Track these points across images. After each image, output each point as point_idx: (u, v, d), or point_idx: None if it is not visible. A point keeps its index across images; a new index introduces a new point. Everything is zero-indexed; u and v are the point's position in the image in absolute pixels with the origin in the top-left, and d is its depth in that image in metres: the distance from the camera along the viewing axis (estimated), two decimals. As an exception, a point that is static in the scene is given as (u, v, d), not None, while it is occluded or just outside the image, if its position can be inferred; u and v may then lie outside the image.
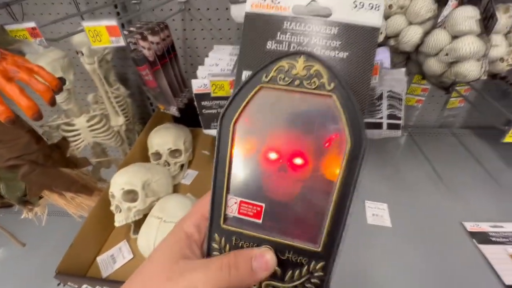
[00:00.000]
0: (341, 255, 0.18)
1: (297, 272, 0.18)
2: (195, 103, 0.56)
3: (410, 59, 0.56)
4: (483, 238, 0.56)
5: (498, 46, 0.43)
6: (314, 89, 0.18)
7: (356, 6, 0.19)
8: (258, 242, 0.19)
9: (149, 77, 0.53)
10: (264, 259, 0.18)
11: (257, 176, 0.19)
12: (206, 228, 0.20)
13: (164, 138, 0.68)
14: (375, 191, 0.67)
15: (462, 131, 0.86)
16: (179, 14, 0.72)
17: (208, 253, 0.20)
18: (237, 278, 0.17)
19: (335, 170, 0.18)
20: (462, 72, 0.43)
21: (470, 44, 0.40)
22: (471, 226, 0.59)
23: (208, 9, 0.71)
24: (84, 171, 0.65)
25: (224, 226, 0.19)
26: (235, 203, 0.19)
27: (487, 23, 0.40)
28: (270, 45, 0.20)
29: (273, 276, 0.19)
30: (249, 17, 0.20)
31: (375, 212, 0.63)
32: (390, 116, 0.47)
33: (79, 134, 0.67)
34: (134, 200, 0.56)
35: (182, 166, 0.73)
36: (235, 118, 0.19)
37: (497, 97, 0.74)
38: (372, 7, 0.18)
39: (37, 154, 0.51)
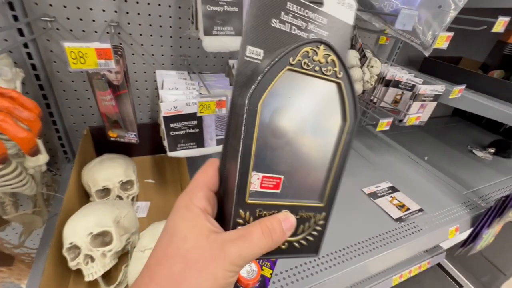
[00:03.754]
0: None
1: (306, 224, 0.22)
2: (163, 126, 0.56)
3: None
4: (374, 195, 0.86)
5: (366, 73, 0.72)
6: (329, 76, 0.21)
7: (339, 2, 0.22)
8: (278, 209, 0.21)
9: (111, 102, 0.49)
10: (290, 220, 0.20)
11: (277, 150, 0.21)
12: (214, 200, 0.21)
13: (112, 170, 0.60)
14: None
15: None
16: (106, 37, 0.67)
17: (233, 228, 0.20)
18: (276, 240, 0.19)
19: (339, 140, 0.22)
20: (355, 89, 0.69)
21: (356, 73, 0.66)
22: (366, 190, 0.88)
23: (141, 34, 0.70)
24: None
25: (249, 201, 0.20)
26: (258, 179, 0.21)
27: (361, 59, 0.67)
28: (275, 23, 0.20)
29: None
30: None
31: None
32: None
33: (-22, 186, 0.49)
34: (105, 243, 0.48)
35: (133, 198, 0.66)
36: (262, 98, 0.19)
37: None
38: (348, 6, 0.22)
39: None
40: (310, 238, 0.23)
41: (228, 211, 0.20)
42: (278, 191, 0.21)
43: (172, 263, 0.17)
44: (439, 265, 1.22)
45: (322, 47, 0.20)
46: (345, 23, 0.22)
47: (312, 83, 0.21)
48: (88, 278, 0.44)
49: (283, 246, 0.21)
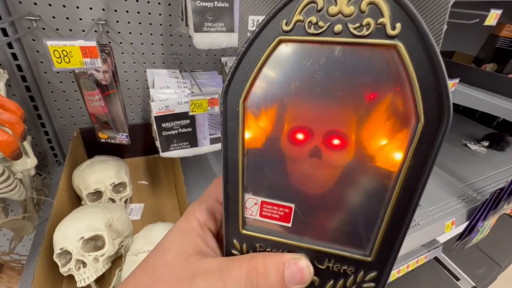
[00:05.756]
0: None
1: (340, 283, 0.15)
2: (154, 126, 0.55)
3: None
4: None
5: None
6: (366, 36, 0.11)
7: None
8: (289, 250, 0.15)
9: (100, 102, 0.47)
10: (298, 268, 0.14)
11: (282, 167, 0.14)
12: (222, 215, 0.16)
13: (104, 173, 0.59)
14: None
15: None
16: (94, 36, 0.65)
17: (226, 255, 0.16)
18: None
19: (395, 156, 0.12)
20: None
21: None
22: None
23: (130, 33, 0.69)
24: None
25: (244, 231, 0.16)
26: (255, 204, 0.15)
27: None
28: None
29: (312, 286, 0.15)
30: None
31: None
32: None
33: (-37, 192, 0.47)
34: (97, 248, 0.47)
35: (126, 201, 0.64)
36: (244, 93, 0.13)
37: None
38: None
39: None
40: None
41: (224, 236, 0.16)
42: (289, 224, 0.15)
43: (142, 274, 0.16)
44: (436, 259, 1.23)
45: None
46: None
47: (336, 53, 0.12)
48: (80, 284, 0.43)
49: None
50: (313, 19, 0.12)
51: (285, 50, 0.12)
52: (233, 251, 0.16)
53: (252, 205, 0.15)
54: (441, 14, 0.11)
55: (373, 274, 0.14)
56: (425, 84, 0.11)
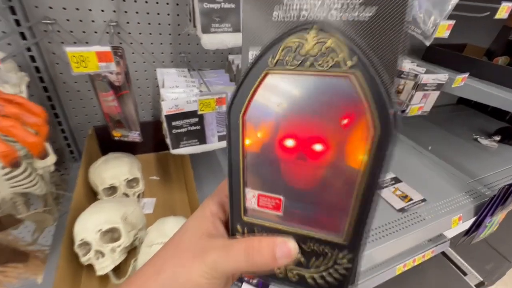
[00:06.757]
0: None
1: (321, 260, 0.18)
2: (165, 124, 0.57)
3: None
4: (376, 185, 0.87)
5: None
6: (329, 68, 0.15)
7: None
8: (280, 233, 0.18)
9: (114, 103, 0.50)
10: (287, 247, 0.17)
11: (274, 167, 0.18)
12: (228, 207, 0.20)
13: (118, 169, 0.62)
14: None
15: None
16: (106, 37, 0.68)
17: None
18: (259, 263, 0.17)
19: (359, 157, 0.16)
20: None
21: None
22: (368, 180, 0.89)
23: (140, 33, 0.71)
24: (9, 234, 0.50)
25: (245, 218, 0.19)
26: (253, 196, 0.19)
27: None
28: (277, 15, 0.16)
29: (298, 263, 0.19)
30: None
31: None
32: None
33: (-9, 187, 0.51)
34: (114, 239, 0.50)
35: (139, 195, 0.68)
36: (243, 109, 0.17)
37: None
38: None
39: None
40: (329, 279, 0.18)
41: (230, 222, 0.20)
42: (280, 213, 0.18)
43: (169, 247, 0.20)
44: (443, 253, 1.23)
45: (312, 32, 0.15)
46: None
47: (308, 82, 0.16)
48: (99, 272, 0.46)
49: (292, 277, 0.19)
50: (290, 57, 0.16)
51: (271, 79, 0.17)
52: (236, 234, 0.20)
53: (251, 197, 0.19)
54: (392, 51, 0.14)
55: (346, 254, 0.17)
56: (372, 100, 0.14)
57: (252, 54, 0.17)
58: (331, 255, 0.18)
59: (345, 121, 0.16)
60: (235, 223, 0.20)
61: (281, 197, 0.18)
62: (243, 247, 0.18)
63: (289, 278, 0.19)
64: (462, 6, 0.64)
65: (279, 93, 0.17)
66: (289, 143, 0.17)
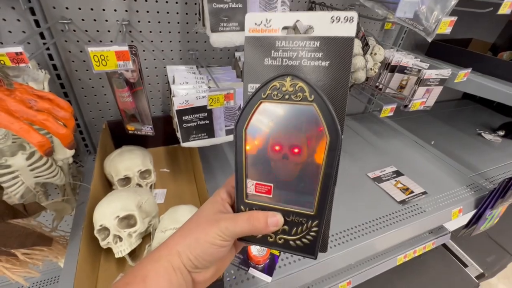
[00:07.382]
0: (331, 214, 0.26)
1: (299, 228, 0.25)
2: (176, 119, 0.60)
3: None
4: (379, 179, 0.89)
5: (368, 61, 0.74)
6: (299, 100, 0.23)
7: (333, 21, 0.22)
8: (271, 210, 0.26)
9: (129, 98, 0.53)
10: (276, 218, 0.25)
11: (266, 164, 0.25)
12: (234, 194, 0.27)
13: (132, 161, 0.66)
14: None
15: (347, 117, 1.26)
16: (119, 35, 0.71)
17: None
18: (257, 227, 0.25)
19: (321, 156, 0.24)
20: (358, 77, 0.71)
21: (359, 61, 0.68)
22: (371, 174, 0.91)
23: (151, 31, 0.74)
24: (31, 220, 0.55)
25: (247, 200, 0.26)
26: (252, 185, 0.26)
27: (363, 48, 0.69)
28: (267, 61, 0.25)
29: (283, 232, 0.26)
30: (248, 40, 0.25)
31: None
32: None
33: (17, 177, 0.55)
34: (130, 225, 0.54)
35: (151, 186, 0.71)
36: (245, 125, 0.25)
37: (355, 94, 1.14)
38: (347, 20, 0.22)
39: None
40: (305, 241, 0.26)
41: (236, 204, 0.27)
42: (270, 195, 0.26)
43: (191, 221, 0.27)
44: (444, 245, 1.25)
45: (288, 78, 0.23)
46: (342, 38, 0.23)
47: (287, 108, 0.24)
48: (118, 255, 0.50)
49: (279, 241, 0.26)
50: (275, 93, 0.24)
51: (263, 106, 0.24)
52: (240, 212, 0.27)
53: (250, 185, 0.26)
54: (343, 86, 0.24)
55: (316, 222, 0.25)
56: (327, 120, 0.23)
57: (251, 86, 0.25)
58: (306, 224, 0.25)
59: (312, 133, 0.24)
60: (239, 204, 0.27)
61: (271, 185, 0.25)
62: (246, 216, 0.25)
63: (277, 242, 0.26)
64: (466, 1, 0.65)
65: (269, 116, 0.25)
66: (277, 148, 0.25)
